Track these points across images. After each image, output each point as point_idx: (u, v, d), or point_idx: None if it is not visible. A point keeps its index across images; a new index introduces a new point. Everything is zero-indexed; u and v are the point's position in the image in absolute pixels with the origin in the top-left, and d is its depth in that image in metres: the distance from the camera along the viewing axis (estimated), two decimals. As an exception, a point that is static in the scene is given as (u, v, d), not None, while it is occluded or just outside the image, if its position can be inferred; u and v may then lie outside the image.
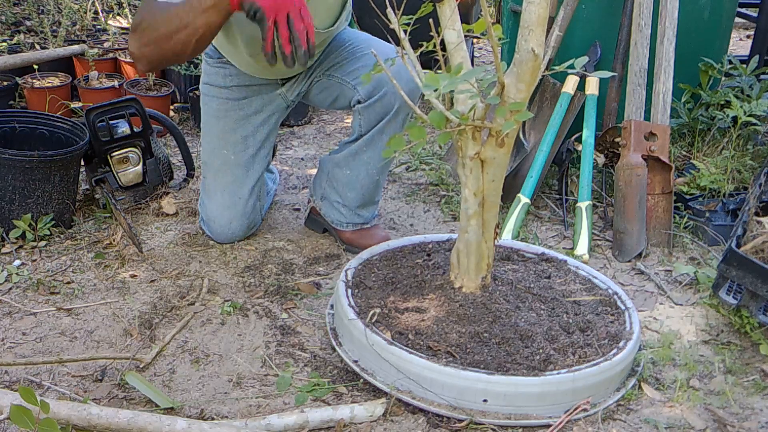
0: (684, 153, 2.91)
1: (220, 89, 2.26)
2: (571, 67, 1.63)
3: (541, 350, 1.74)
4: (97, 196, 2.57)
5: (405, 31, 1.66)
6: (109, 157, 2.52)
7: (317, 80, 2.29)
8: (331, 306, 2.03)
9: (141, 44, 1.83)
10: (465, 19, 1.78)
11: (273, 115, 2.32)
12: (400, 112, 2.18)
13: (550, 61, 2.69)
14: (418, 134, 1.50)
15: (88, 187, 2.64)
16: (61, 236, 2.40)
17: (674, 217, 2.56)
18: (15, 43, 3.77)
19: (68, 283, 2.18)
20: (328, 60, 2.24)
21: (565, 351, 1.75)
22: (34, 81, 3.37)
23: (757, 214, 2.28)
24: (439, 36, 1.61)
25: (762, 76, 3.25)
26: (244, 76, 2.22)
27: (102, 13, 4.40)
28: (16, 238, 2.34)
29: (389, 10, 1.64)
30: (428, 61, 1.79)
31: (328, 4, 2.04)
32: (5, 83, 3.36)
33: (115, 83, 3.43)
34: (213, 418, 1.68)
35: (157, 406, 1.69)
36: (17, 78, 3.34)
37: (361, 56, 2.18)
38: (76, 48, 3.61)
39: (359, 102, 2.20)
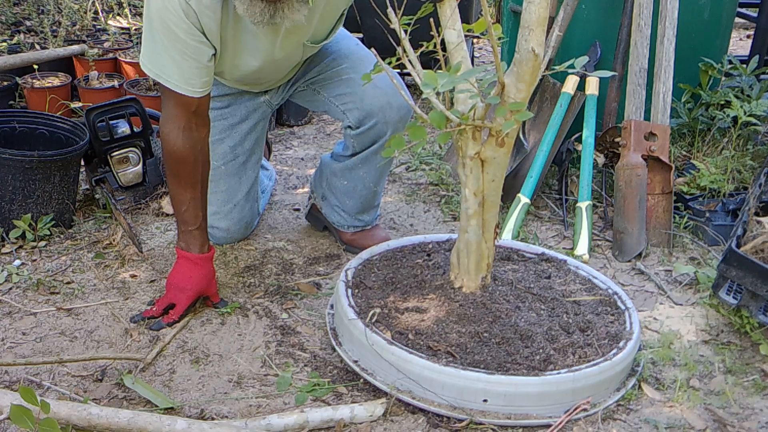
0: (684, 153, 2.91)
1: None
2: (572, 67, 1.63)
3: (541, 350, 1.74)
4: (97, 196, 2.57)
5: (405, 31, 1.66)
6: (109, 157, 2.52)
7: (301, 89, 2.27)
8: (331, 306, 2.03)
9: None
10: (465, 18, 1.79)
11: (260, 122, 2.31)
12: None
13: (551, 61, 2.69)
14: (418, 134, 1.50)
15: (88, 187, 2.64)
16: (61, 236, 2.40)
17: (674, 217, 2.56)
18: (15, 43, 3.77)
19: (68, 283, 2.18)
20: (311, 71, 2.22)
21: (565, 351, 1.75)
22: (34, 81, 3.37)
23: (757, 214, 2.28)
24: (439, 36, 1.61)
25: (762, 76, 3.25)
26: (224, 86, 2.21)
27: (102, 13, 4.41)
28: (16, 238, 2.34)
29: (390, 10, 1.64)
30: (428, 61, 1.79)
31: (328, 19, 2.03)
32: (5, 83, 3.36)
33: (115, 83, 3.43)
34: (213, 418, 1.68)
35: (156, 406, 1.69)
36: (17, 78, 3.34)
37: (347, 80, 2.16)
38: (76, 48, 3.61)
39: (350, 128, 2.19)
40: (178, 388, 1.78)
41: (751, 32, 4.62)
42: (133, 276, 2.23)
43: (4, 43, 3.77)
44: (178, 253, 2.02)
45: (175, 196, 2.00)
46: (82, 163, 2.54)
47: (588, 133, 2.64)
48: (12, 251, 2.30)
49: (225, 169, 2.28)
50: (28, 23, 4.33)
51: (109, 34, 3.98)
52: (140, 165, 2.58)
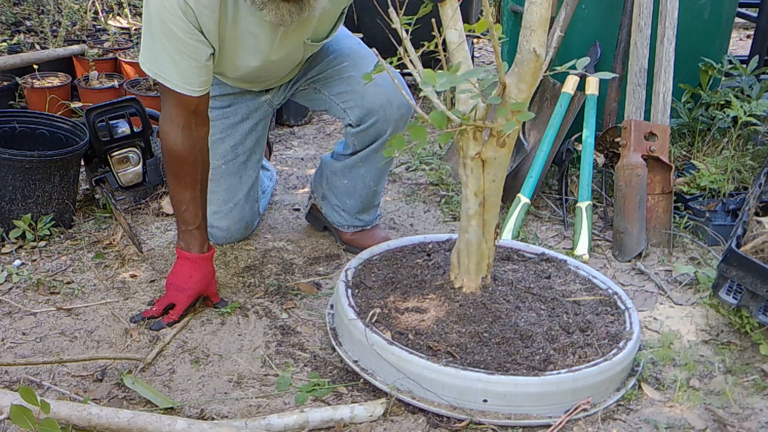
0: (684, 153, 2.91)
1: None
2: (573, 67, 1.63)
3: (541, 350, 1.74)
4: (97, 196, 2.57)
5: (406, 31, 1.66)
6: (109, 157, 2.52)
7: (302, 89, 2.27)
8: (331, 306, 2.03)
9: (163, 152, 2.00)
10: (465, 18, 1.79)
11: (261, 121, 2.31)
12: (394, 134, 2.17)
13: (551, 62, 2.69)
14: (420, 134, 1.50)
15: (88, 187, 2.64)
16: (61, 236, 2.40)
17: (674, 217, 2.56)
18: (15, 43, 3.77)
19: (68, 283, 2.18)
20: (312, 70, 2.22)
21: (565, 351, 1.75)
22: (34, 81, 3.37)
23: (757, 214, 2.28)
24: (440, 36, 1.61)
25: (762, 76, 3.26)
26: (225, 85, 2.21)
27: (102, 13, 4.41)
28: (16, 238, 2.34)
29: (391, 9, 1.64)
30: (429, 61, 1.79)
31: (329, 18, 2.03)
32: (5, 83, 3.35)
33: (115, 83, 3.43)
34: (213, 418, 1.68)
35: (156, 406, 1.69)
36: (17, 78, 3.34)
37: (348, 78, 2.16)
38: (76, 48, 3.61)
39: (350, 126, 2.19)
40: (178, 388, 1.78)
41: (751, 32, 4.62)
42: (133, 276, 2.23)
43: (4, 43, 3.77)
44: (178, 253, 2.02)
45: (174, 195, 2.00)
46: (82, 163, 2.54)
47: (588, 133, 2.64)
48: (12, 251, 2.30)
49: (226, 169, 2.28)
50: (28, 23, 4.33)
51: (109, 34, 3.98)
52: (140, 165, 2.58)
